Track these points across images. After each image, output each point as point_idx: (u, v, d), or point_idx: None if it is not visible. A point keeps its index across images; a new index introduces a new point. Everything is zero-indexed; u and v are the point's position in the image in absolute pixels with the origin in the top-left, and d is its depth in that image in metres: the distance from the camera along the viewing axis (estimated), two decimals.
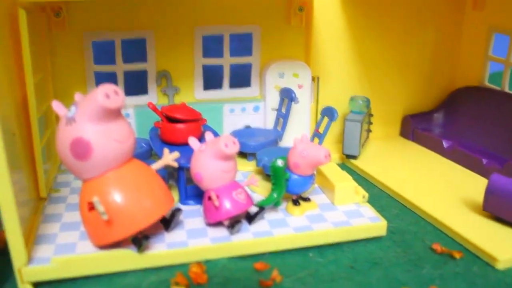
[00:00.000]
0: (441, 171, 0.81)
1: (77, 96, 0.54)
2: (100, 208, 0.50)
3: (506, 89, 0.89)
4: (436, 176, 0.79)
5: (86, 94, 0.53)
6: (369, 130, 0.91)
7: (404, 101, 0.97)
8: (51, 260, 0.52)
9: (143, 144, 0.74)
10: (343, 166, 0.86)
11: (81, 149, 0.50)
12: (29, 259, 0.52)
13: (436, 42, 0.96)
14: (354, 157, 0.85)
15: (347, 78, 0.91)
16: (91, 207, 0.52)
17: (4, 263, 0.54)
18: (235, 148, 0.58)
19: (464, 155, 0.83)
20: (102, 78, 0.78)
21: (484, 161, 0.79)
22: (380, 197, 0.74)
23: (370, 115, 0.90)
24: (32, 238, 0.56)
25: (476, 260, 0.58)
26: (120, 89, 0.51)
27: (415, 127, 0.95)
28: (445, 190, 0.74)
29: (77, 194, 0.67)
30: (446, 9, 0.94)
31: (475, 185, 0.74)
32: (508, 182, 0.62)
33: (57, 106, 0.53)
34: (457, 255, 0.58)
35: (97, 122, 0.50)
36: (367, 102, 0.86)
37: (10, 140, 0.52)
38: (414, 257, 0.58)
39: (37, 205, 0.63)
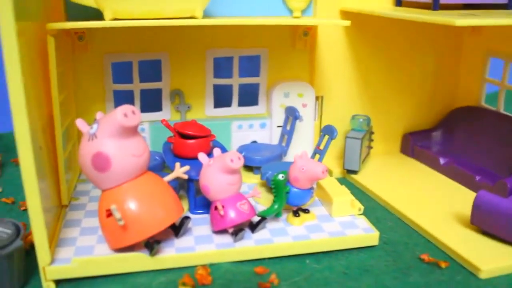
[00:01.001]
0: (436, 186, 0.85)
1: (99, 115, 0.59)
2: (117, 215, 0.55)
3: (501, 110, 0.93)
4: (431, 191, 0.83)
5: (107, 113, 0.58)
6: (370, 147, 0.96)
7: (405, 119, 1.02)
8: (72, 260, 0.56)
9: (157, 157, 0.80)
10: (343, 180, 0.90)
11: (101, 162, 0.56)
12: (52, 260, 0.56)
13: (436, 65, 1.00)
14: (355, 172, 0.90)
15: (349, 98, 0.95)
16: (109, 214, 0.57)
17: (30, 263, 0.58)
18: (240, 163, 0.63)
19: (459, 172, 0.87)
20: (120, 96, 0.84)
21: (477, 177, 0.83)
22: (376, 210, 0.78)
23: (371, 132, 0.95)
24: (55, 241, 0.61)
25: (461, 269, 0.62)
26: (137, 109, 0.56)
27: (414, 144, 0.99)
28: (438, 204, 0.78)
29: (96, 202, 0.72)
30: (445, 33, 0.98)
31: (466, 200, 0.77)
32: (494, 199, 0.66)
33: (80, 123, 0.58)
34: (443, 265, 0.62)
35: (116, 138, 0.56)
36: (368, 120, 0.91)
37: (37, 153, 0.56)
38: (403, 266, 0.62)
39: (59, 211, 0.68)
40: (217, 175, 0.63)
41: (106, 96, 0.84)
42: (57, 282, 0.57)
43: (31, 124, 0.52)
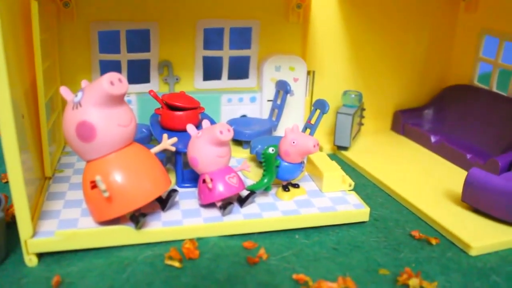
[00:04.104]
0: (427, 164, 0.85)
1: (84, 83, 0.57)
2: (102, 186, 0.53)
3: (494, 89, 0.92)
4: (422, 169, 0.82)
5: (92, 81, 0.56)
6: (361, 124, 0.95)
7: (396, 96, 1.01)
8: (55, 233, 0.55)
9: (144, 130, 0.78)
10: (334, 156, 0.90)
11: (86, 131, 0.54)
12: (34, 232, 0.55)
13: (430, 42, 0.99)
14: (345, 148, 0.89)
15: (341, 73, 0.94)
16: (94, 185, 0.55)
17: (11, 236, 0.57)
18: (229, 135, 0.61)
19: (450, 150, 0.86)
20: (106, 66, 0.82)
21: (468, 156, 0.82)
22: (367, 187, 0.78)
23: (362, 109, 0.93)
24: (37, 214, 0.59)
25: (451, 246, 0.62)
26: (124, 77, 0.54)
27: (405, 122, 0.98)
28: (428, 182, 0.77)
29: (80, 174, 0.70)
30: (440, 10, 0.97)
31: (457, 178, 0.77)
32: (485, 176, 0.65)
33: (64, 91, 0.56)
34: (434, 241, 0.62)
35: (102, 107, 0.53)
36: (360, 96, 0.90)
37: (20, 122, 0.54)
38: (394, 242, 0.62)
39: (42, 183, 0.67)
40: (206, 147, 0.61)
41: (92, 66, 0.81)
42: (40, 255, 0.55)
43: (12, 92, 0.50)
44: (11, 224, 0.59)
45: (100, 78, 0.54)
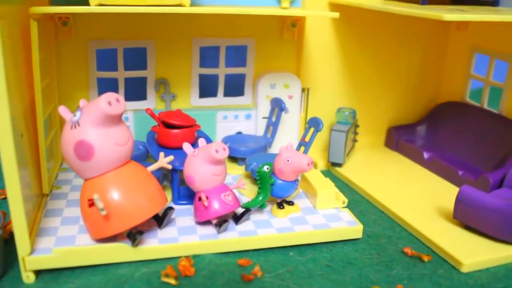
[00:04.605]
0: (419, 180, 0.86)
1: (82, 102, 0.58)
2: (100, 204, 0.54)
3: (485, 106, 0.94)
4: (414, 185, 0.83)
5: (90, 101, 0.57)
6: (355, 140, 0.96)
7: (390, 113, 1.02)
8: (52, 250, 0.55)
9: (140, 147, 0.79)
10: (328, 173, 0.91)
11: (84, 150, 0.54)
12: (32, 250, 0.55)
13: (422, 59, 1.00)
14: (339, 164, 0.90)
15: (335, 90, 0.95)
16: (91, 203, 0.56)
17: (9, 252, 0.57)
18: (225, 153, 0.62)
19: (442, 166, 0.87)
20: (104, 84, 0.83)
21: (460, 172, 0.84)
22: (360, 203, 0.79)
23: (356, 125, 0.95)
24: (35, 231, 0.59)
25: (443, 263, 0.62)
26: (121, 97, 0.55)
27: (399, 138, 1.00)
28: (421, 198, 0.78)
29: (77, 191, 0.71)
30: (432, 28, 0.98)
31: (449, 195, 0.78)
32: (476, 193, 0.67)
33: (63, 110, 0.57)
34: (426, 258, 0.63)
35: (99, 126, 0.55)
36: (353, 113, 0.91)
37: (18, 140, 0.55)
38: (386, 259, 0.62)
39: (40, 200, 0.67)
40: (201, 165, 0.62)
41: (90, 83, 0.82)
42: (37, 272, 0.56)
43: (12, 111, 0.50)
44: (9, 240, 0.60)
45: (98, 98, 0.55)
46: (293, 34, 0.89)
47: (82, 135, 0.55)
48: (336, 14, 0.74)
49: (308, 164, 0.65)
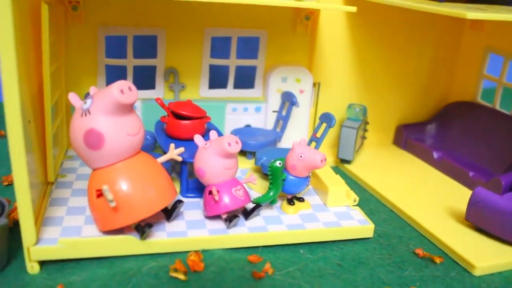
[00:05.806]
0: (429, 180, 0.85)
1: (92, 90, 0.57)
2: (109, 196, 0.53)
3: (497, 107, 0.92)
4: (424, 185, 0.82)
5: (101, 88, 0.56)
6: (364, 137, 0.95)
7: (400, 111, 1.01)
8: (58, 241, 0.54)
9: (148, 137, 0.77)
10: (337, 169, 0.89)
11: (94, 139, 0.53)
12: (37, 240, 0.54)
13: (434, 57, 0.99)
14: (348, 161, 0.89)
15: (346, 86, 0.94)
16: (100, 194, 0.55)
17: (13, 241, 0.56)
18: (237, 147, 0.61)
19: (452, 167, 0.86)
20: (112, 71, 0.81)
21: (471, 173, 0.82)
22: (370, 201, 0.77)
23: (366, 122, 0.93)
24: (40, 220, 0.58)
25: (455, 266, 0.61)
26: (133, 86, 0.54)
27: (408, 137, 0.98)
28: (431, 198, 0.77)
29: (83, 180, 0.69)
30: (446, 26, 0.97)
31: (460, 196, 0.78)
32: (490, 196, 0.65)
33: (73, 98, 0.55)
34: (438, 260, 0.62)
35: (111, 115, 0.53)
36: (364, 110, 0.90)
37: (26, 126, 0.54)
38: (398, 260, 0.61)
39: (45, 188, 0.66)
40: (213, 158, 0.61)
41: (98, 70, 0.80)
42: (42, 262, 0.54)
43: (21, 97, 0.49)
44: (13, 229, 0.58)
45: (110, 86, 0.53)
46: (307, 27, 0.87)
47: (92, 123, 0.53)
48: (353, 8, 0.72)
49: (322, 161, 0.63)
